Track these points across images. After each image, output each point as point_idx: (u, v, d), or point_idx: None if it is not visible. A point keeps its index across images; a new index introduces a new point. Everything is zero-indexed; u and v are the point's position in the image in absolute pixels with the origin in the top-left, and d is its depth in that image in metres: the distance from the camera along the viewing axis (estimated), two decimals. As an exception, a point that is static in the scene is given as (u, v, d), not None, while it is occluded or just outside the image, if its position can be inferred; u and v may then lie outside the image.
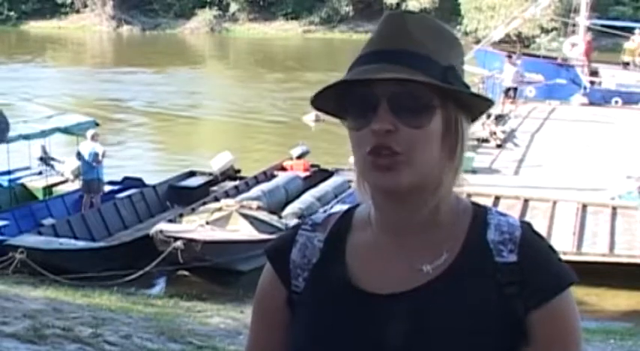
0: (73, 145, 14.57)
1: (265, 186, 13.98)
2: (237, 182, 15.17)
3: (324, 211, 1.50)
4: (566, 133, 18.24)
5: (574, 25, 26.00)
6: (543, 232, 11.81)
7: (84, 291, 9.77)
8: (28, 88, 29.05)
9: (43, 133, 14.11)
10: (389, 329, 1.31)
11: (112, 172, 15.07)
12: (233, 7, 51.57)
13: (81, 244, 11.97)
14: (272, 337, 1.43)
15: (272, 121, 24.32)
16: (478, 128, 16.26)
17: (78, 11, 52.90)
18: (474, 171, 13.57)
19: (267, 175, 15.38)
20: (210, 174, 15.64)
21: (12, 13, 51.89)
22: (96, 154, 13.44)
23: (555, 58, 26.22)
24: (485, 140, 16.58)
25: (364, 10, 50.11)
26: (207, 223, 11.90)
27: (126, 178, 15.37)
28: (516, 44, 28.09)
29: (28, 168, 15.03)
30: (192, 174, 15.89)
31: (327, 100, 1.36)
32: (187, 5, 51.80)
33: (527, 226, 1.37)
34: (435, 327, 1.30)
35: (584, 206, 12.31)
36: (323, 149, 17.97)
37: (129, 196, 14.07)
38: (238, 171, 15.97)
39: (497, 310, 1.30)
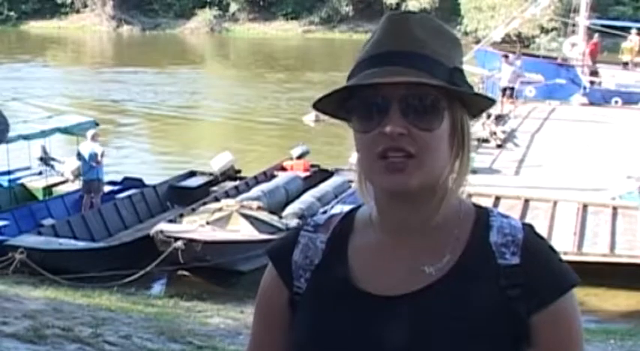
0: (73, 146, 14.56)
1: (265, 186, 13.98)
2: (237, 182, 15.16)
3: (325, 212, 1.50)
4: (566, 133, 18.23)
5: (574, 25, 26.02)
6: (544, 233, 11.83)
7: (84, 291, 9.77)
8: (29, 89, 29.04)
9: (43, 134, 14.10)
10: (390, 331, 1.31)
11: (111, 172, 15.07)
12: (233, 7, 51.57)
13: (81, 244, 11.96)
14: (273, 337, 1.43)
15: (272, 121, 24.31)
16: (478, 128, 16.27)
17: (78, 11, 52.89)
18: (474, 171, 13.55)
19: (268, 176, 15.38)
20: (211, 174, 15.64)
21: (12, 13, 51.88)
22: (95, 155, 13.43)
23: (555, 58, 26.23)
24: (486, 140, 16.57)
25: (364, 10, 50.11)
26: (208, 223, 11.90)
27: (126, 179, 15.36)
28: (516, 44, 28.08)
29: (28, 168, 15.02)
30: (192, 174, 15.88)
31: (329, 102, 1.36)
32: (187, 5, 51.80)
33: (529, 229, 1.37)
34: (437, 329, 1.29)
35: (585, 206, 12.31)
36: (323, 149, 17.97)
37: (129, 197, 14.06)
38: (239, 171, 15.96)
39: (499, 313, 1.30)
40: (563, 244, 10.85)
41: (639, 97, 22.92)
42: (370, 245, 1.38)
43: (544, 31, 40.28)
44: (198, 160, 17.87)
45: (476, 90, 1.36)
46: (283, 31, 50.72)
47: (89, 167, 13.50)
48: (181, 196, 14.48)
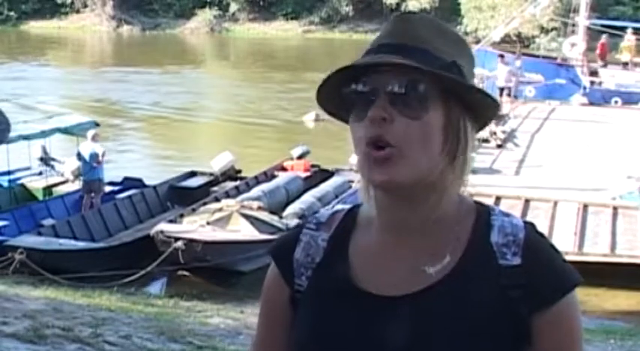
0: (74, 146, 14.56)
1: (266, 186, 13.98)
2: (237, 182, 15.16)
3: (326, 209, 1.49)
4: (566, 133, 18.24)
5: (573, 25, 26.01)
6: (544, 233, 11.87)
7: (84, 291, 9.77)
8: (28, 89, 29.04)
9: (43, 134, 14.09)
10: (391, 331, 1.31)
11: (111, 172, 15.06)
12: (233, 7, 51.58)
13: (81, 244, 11.96)
14: (275, 334, 1.44)
15: (273, 121, 24.31)
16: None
17: (78, 11, 52.91)
18: (474, 171, 13.55)
19: (268, 176, 15.38)
20: (211, 174, 15.64)
21: (12, 13, 51.90)
22: (96, 155, 13.43)
23: (555, 58, 26.23)
24: (486, 140, 16.57)
25: (364, 10, 50.12)
26: (208, 223, 11.90)
27: (126, 179, 15.36)
28: (516, 44, 28.08)
29: (28, 168, 15.01)
30: (192, 174, 15.88)
31: (332, 98, 1.36)
32: (187, 5, 51.81)
33: (531, 227, 1.36)
34: (438, 330, 1.29)
35: (585, 206, 12.31)
36: (323, 149, 17.96)
37: (129, 197, 14.05)
38: (239, 171, 15.96)
39: (500, 314, 1.29)
40: (564, 244, 10.84)
41: (639, 97, 22.92)
42: (371, 244, 1.38)
43: (544, 31, 40.27)
44: (198, 161, 17.87)
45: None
46: (283, 31, 50.72)
47: (90, 167, 13.49)
48: (182, 196, 14.48)
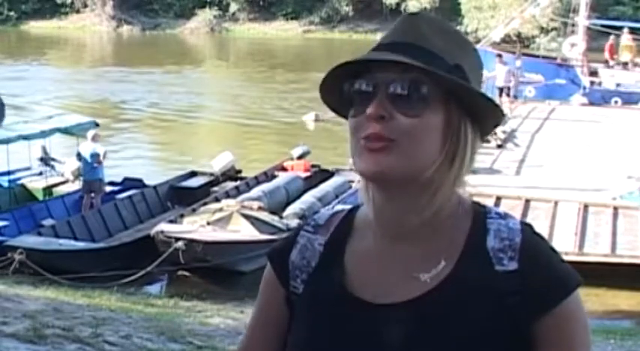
0: (74, 146, 14.56)
1: (266, 186, 13.98)
2: (237, 183, 15.16)
3: (326, 210, 1.48)
4: (566, 133, 18.23)
5: (573, 25, 26.01)
6: (545, 233, 11.80)
7: (84, 291, 9.77)
8: (29, 89, 29.03)
9: (43, 134, 14.09)
10: (387, 339, 1.29)
11: (111, 173, 15.06)
12: (233, 7, 51.61)
13: (81, 244, 11.95)
14: (266, 335, 1.43)
15: (273, 121, 24.32)
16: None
17: (78, 11, 52.95)
18: (474, 171, 13.46)
19: (268, 176, 15.38)
20: (211, 174, 15.63)
21: (12, 13, 51.94)
22: (97, 155, 13.42)
23: (555, 59, 26.23)
24: (486, 140, 16.54)
25: (364, 10, 50.15)
26: (208, 223, 11.90)
27: (126, 179, 15.36)
28: (516, 44, 28.08)
29: (28, 168, 15.01)
30: (193, 174, 15.88)
31: (334, 93, 1.35)
32: (187, 5, 51.85)
33: (528, 230, 1.33)
34: (434, 338, 1.27)
35: (586, 206, 12.31)
36: (323, 149, 17.96)
37: (129, 197, 14.04)
38: (239, 171, 15.97)
39: (498, 321, 1.27)
40: (565, 245, 10.84)
41: (639, 97, 22.92)
42: (367, 250, 1.36)
43: (544, 31, 40.29)
44: (198, 161, 17.87)
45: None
46: (283, 31, 50.75)
47: (91, 167, 13.48)
48: (182, 196, 14.48)
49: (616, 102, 23.01)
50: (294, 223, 11.92)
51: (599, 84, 24.18)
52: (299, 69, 34.78)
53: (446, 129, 1.29)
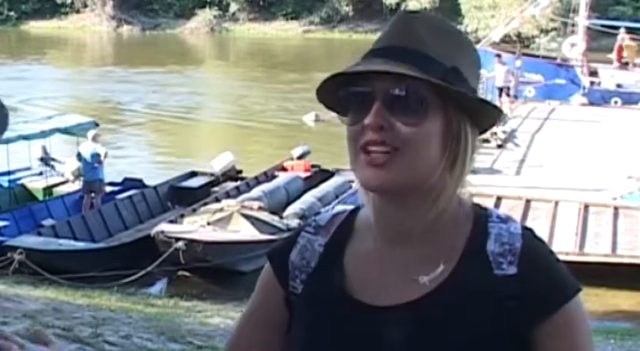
0: (74, 146, 14.56)
1: (266, 186, 13.98)
2: (238, 183, 15.17)
3: (327, 211, 1.48)
4: (566, 133, 18.23)
5: (573, 25, 26.00)
6: (545, 233, 11.80)
7: (84, 291, 9.77)
8: (29, 89, 29.03)
9: (43, 134, 14.09)
10: (384, 341, 1.29)
11: (112, 173, 15.06)
12: (233, 7, 51.60)
13: (80, 244, 11.95)
14: (263, 336, 1.42)
15: (273, 122, 24.31)
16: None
17: (78, 11, 52.94)
18: (475, 171, 13.46)
19: (268, 176, 15.38)
20: (212, 174, 15.63)
21: (12, 13, 51.93)
22: (97, 155, 13.42)
23: (555, 59, 26.23)
24: (486, 140, 16.56)
25: (364, 10, 50.14)
26: (209, 223, 11.91)
27: (126, 179, 15.36)
28: (516, 44, 28.08)
29: (28, 168, 15.01)
30: (193, 174, 15.87)
31: (333, 92, 1.33)
32: (187, 5, 51.84)
33: (529, 234, 1.31)
34: (432, 340, 1.27)
35: (586, 206, 12.30)
36: (323, 149, 17.96)
37: (129, 197, 14.04)
38: (240, 171, 15.97)
39: (497, 325, 1.26)
40: (565, 245, 10.85)
41: (639, 97, 22.91)
42: (367, 252, 1.35)
43: (544, 31, 40.28)
44: (199, 161, 17.87)
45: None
46: (283, 31, 50.74)
47: (91, 167, 13.48)
48: (182, 196, 14.48)
49: (616, 102, 23.01)
50: (294, 223, 11.93)
51: (599, 84, 24.18)
52: (299, 69, 34.78)
53: (445, 133, 1.28)
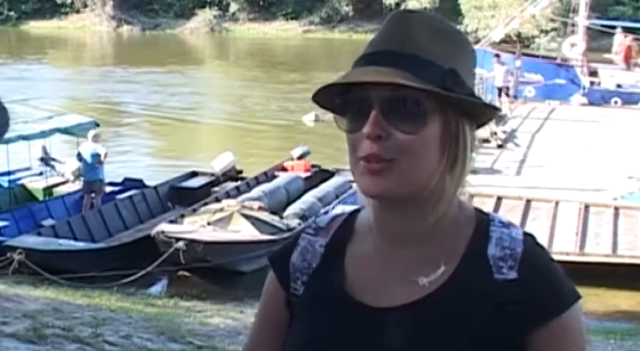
0: (74, 146, 14.55)
1: (266, 186, 13.98)
2: (238, 183, 15.17)
3: (327, 212, 1.48)
4: (566, 133, 18.23)
5: (573, 25, 26.00)
6: (546, 233, 11.79)
7: (84, 291, 9.77)
8: (29, 89, 29.03)
9: (43, 134, 14.08)
10: (384, 342, 1.29)
11: (112, 173, 15.05)
12: (233, 7, 51.59)
13: (80, 244, 11.95)
14: (269, 336, 1.43)
15: (273, 122, 24.31)
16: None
17: (78, 11, 52.93)
18: (475, 171, 13.53)
19: (268, 176, 15.38)
20: (212, 174, 15.63)
21: (12, 13, 51.92)
22: (98, 155, 13.42)
23: (555, 58, 26.22)
24: (486, 140, 16.57)
25: (364, 10, 50.15)
26: (209, 223, 11.91)
27: (126, 179, 15.35)
28: (516, 44, 28.08)
29: (28, 168, 15.01)
30: (193, 174, 15.87)
31: (330, 97, 1.32)
32: (187, 5, 51.83)
33: (530, 240, 1.31)
34: (432, 341, 1.27)
35: (587, 206, 12.29)
36: (323, 149, 17.96)
37: (130, 197, 14.04)
38: (240, 172, 15.97)
39: (494, 329, 1.26)
40: (565, 245, 10.84)
41: (639, 97, 22.91)
42: (368, 253, 1.35)
43: (543, 31, 40.28)
44: (199, 161, 17.87)
45: (474, 91, 1.32)
46: (283, 31, 50.74)
47: (91, 168, 13.48)
48: (182, 196, 14.47)
49: (616, 102, 23.01)
50: (294, 223, 11.95)
51: (599, 84, 24.18)
52: (299, 69, 34.78)
53: (444, 136, 1.27)
